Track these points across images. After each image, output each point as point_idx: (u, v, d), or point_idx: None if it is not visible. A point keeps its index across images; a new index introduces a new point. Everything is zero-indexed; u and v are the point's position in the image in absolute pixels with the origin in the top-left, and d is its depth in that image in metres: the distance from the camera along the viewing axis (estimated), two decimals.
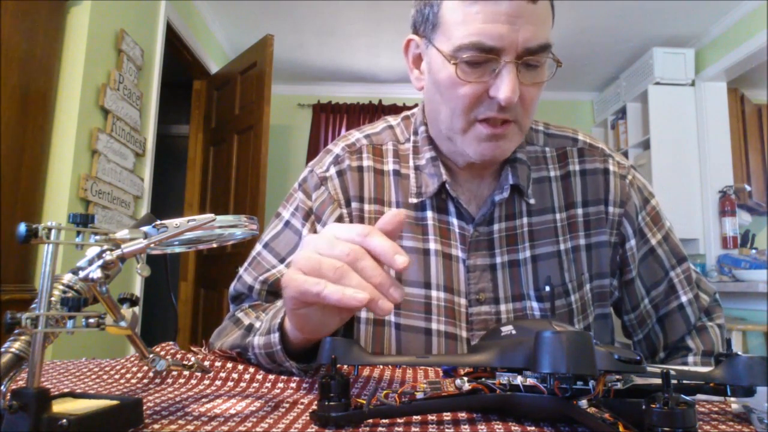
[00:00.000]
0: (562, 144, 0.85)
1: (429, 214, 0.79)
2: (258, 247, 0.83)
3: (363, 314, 0.78)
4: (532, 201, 0.79)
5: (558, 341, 0.37)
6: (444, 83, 0.70)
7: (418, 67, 0.79)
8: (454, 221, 0.78)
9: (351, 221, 0.80)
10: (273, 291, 0.78)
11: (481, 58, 0.66)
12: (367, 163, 0.82)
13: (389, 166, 0.83)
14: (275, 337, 0.58)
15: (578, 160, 0.83)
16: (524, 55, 0.66)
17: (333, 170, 0.82)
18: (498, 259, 0.78)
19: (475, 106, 0.69)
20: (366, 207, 0.81)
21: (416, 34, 0.76)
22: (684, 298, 0.84)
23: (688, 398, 0.34)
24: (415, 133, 0.83)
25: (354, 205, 0.80)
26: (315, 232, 0.80)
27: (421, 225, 0.79)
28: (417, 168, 0.81)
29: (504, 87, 0.66)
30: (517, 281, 0.77)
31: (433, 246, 0.78)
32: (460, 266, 0.77)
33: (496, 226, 0.78)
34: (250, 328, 0.66)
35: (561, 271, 0.78)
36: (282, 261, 0.80)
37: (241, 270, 0.83)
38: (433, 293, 0.76)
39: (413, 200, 0.79)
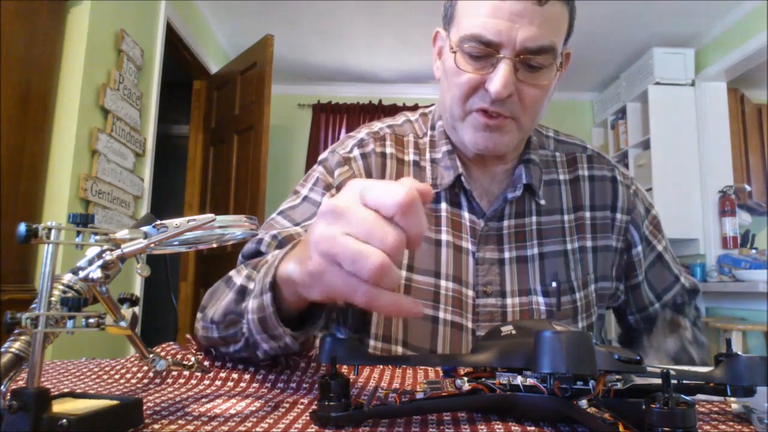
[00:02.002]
0: (571, 150, 0.88)
1: (443, 206, 0.81)
2: (273, 215, 0.82)
3: None
4: (542, 202, 0.82)
5: (558, 341, 0.37)
6: (448, 71, 0.74)
7: (440, 58, 0.82)
8: (466, 215, 0.81)
9: None
10: (283, 247, 0.73)
11: (481, 50, 0.69)
12: (390, 150, 0.84)
13: (410, 156, 0.85)
14: (267, 298, 0.51)
15: (587, 166, 0.87)
16: (522, 54, 0.68)
17: (357, 152, 0.83)
18: (506, 254, 0.80)
19: (470, 96, 0.73)
20: None
21: (443, 28, 0.80)
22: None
23: (688, 398, 0.34)
24: (432, 128, 0.86)
25: None
26: None
27: (435, 216, 0.81)
28: (433, 161, 0.83)
29: (496, 80, 0.68)
30: (524, 276, 0.79)
31: (444, 237, 0.79)
32: (470, 258, 0.79)
33: (506, 222, 0.80)
34: (242, 291, 0.58)
35: (567, 269, 0.80)
36: (296, 224, 0.78)
37: None
38: (442, 283, 0.78)
39: None
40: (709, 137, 3.82)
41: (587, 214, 0.84)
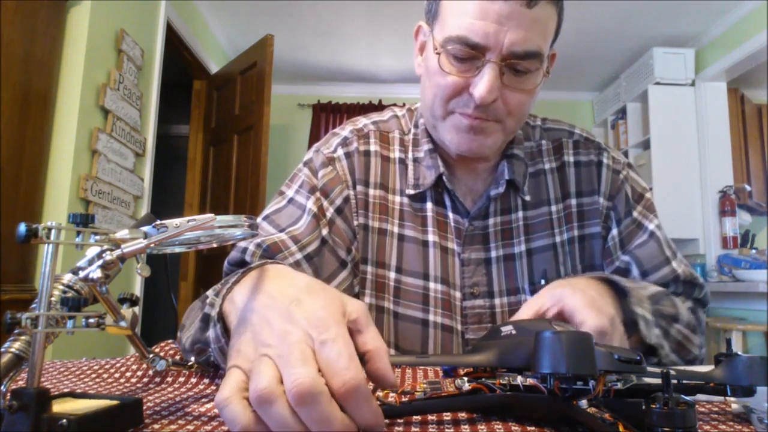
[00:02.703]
0: (557, 136, 0.86)
1: (428, 205, 0.80)
2: (258, 219, 0.79)
3: (365, 300, 0.78)
4: (527, 198, 0.80)
5: (558, 341, 0.37)
6: (431, 71, 0.72)
7: (422, 54, 0.80)
8: (450, 215, 0.79)
9: (356, 204, 0.80)
10: (267, 256, 0.71)
11: (466, 53, 0.67)
12: (374, 148, 0.83)
13: (395, 153, 0.83)
14: (218, 329, 0.48)
15: (573, 152, 0.84)
16: (509, 58, 0.66)
17: (341, 151, 0.82)
18: (493, 254, 0.78)
19: (453, 98, 0.71)
20: (371, 192, 0.80)
21: (426, 22, 0.78)
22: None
23: (688, 398, 0.34)
24: (416, 126, 0.84)
25: (359, 188, 0.80)
26: (321, 206, 0.77)
27: (421, 216, 0.79)
28: (416, 160, 0.81)
29: (481, 85, 0.66)
30: (512, 275, 0.78)
31: (431, 238, 0.78)
32: (456, 260, 0.78)
33: (491, 221, 0.79)
34: (206, 319, 0.52)
35: (556, 263, 0.79)
36: (282, 231, 0.75)
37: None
38: (431, 285, 0.77)
39: (410, 191, 0.80)
40: (709, 137, 3.82)
41: (573, 202, 0.82)
